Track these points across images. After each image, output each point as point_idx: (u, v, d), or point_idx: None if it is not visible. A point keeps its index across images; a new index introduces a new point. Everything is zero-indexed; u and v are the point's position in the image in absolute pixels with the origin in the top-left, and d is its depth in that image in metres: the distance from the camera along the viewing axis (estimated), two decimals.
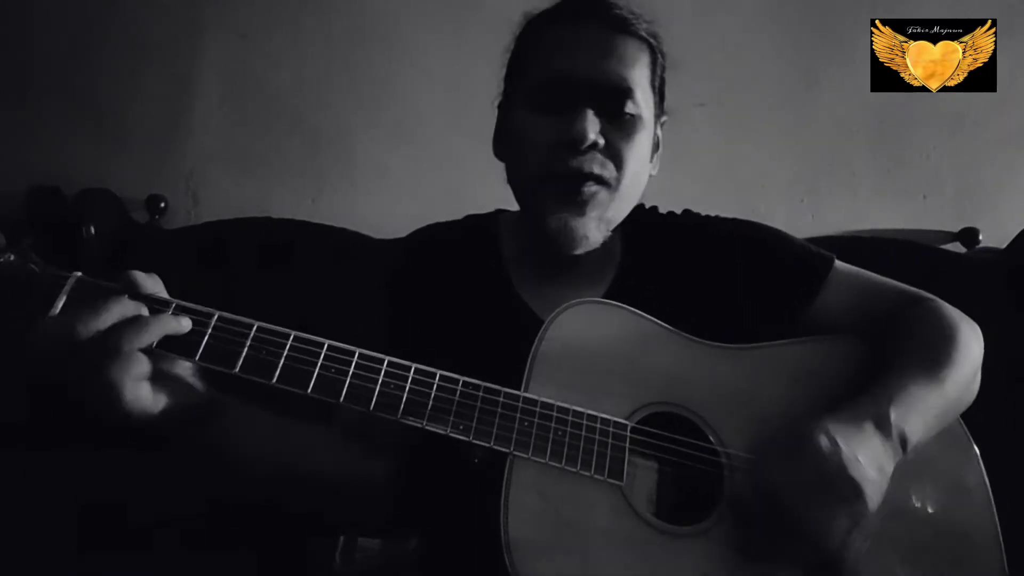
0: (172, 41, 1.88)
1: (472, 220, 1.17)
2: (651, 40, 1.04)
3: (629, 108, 1.00)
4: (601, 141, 0.98)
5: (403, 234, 1.18)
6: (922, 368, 0.94)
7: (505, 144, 1.08)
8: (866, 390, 0.92)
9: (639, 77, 1.01)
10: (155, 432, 0.80)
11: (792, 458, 0.84)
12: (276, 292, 1.56)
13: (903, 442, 0.88)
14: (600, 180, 0.99)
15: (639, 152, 1.02)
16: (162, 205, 1.83)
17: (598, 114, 0.98)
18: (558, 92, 0.98)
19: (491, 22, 1.87)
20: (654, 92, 1.05)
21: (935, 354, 0.97)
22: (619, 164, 1.00)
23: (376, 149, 1.90)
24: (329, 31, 1.90)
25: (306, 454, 0.94)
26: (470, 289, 1.06)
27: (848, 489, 0.82)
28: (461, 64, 1.89)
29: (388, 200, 1.87)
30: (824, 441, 0.83)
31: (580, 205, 0.99)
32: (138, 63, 1.88)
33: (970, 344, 1.01)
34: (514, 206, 1.15)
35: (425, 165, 1.89)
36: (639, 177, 1.04)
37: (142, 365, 0.76)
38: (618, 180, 1.00)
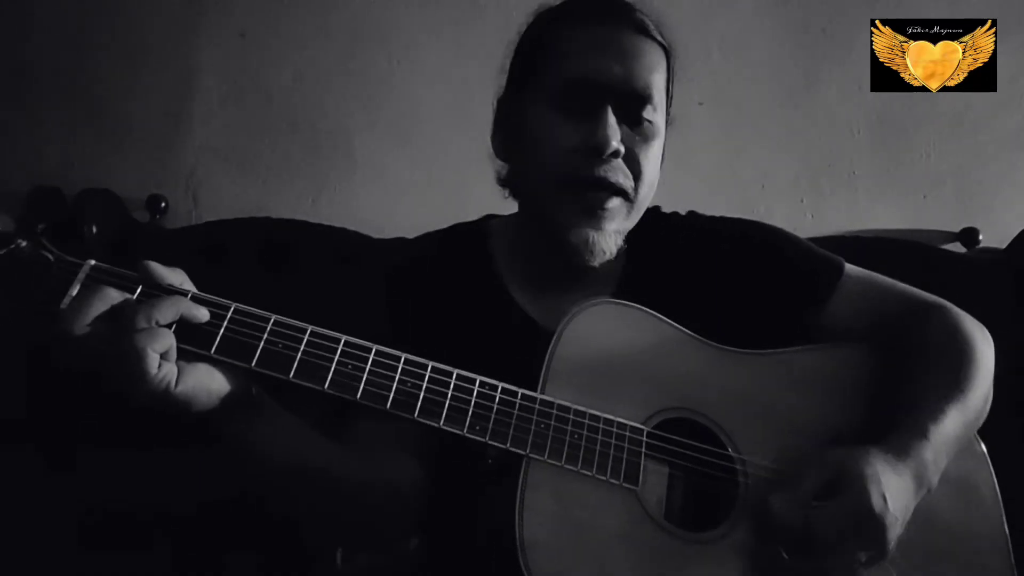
0: (172, 41, 1.88)
1: (460, 228, 1.15)
2: (667, 46, 1.03)
3: (647, 114, 0.99)
4: (622, 149, 0.96)
5: (403, 234, 1.17)
6: (950, 398, 0.93)
7: (514, 143, 1.06)
8: (902, 424, 0.91)
9: (658, 83, 1.00)
10: (187, 414, 0.78)
11: (836, 490, 0.83)
12: (276, 293, 1.56)
13: (929, 489, 0.89)
14: (621, 192, 0.98)
15: (655, 161, 1.02)
16: (163, 205, 1.83)
17: (619, 120, 0.97)
18: (583, 94, 0.96)
19: (491, 22, 1.89)
20: (668, 99, 1.04)
21: (958, 378, 0.96)
22: (637, 174, 0.99)
23: (376, 149, 1.89)
24: (329, 31, 1.90)
25: (332, 458, 0.92)
26: (464, 298, 1.05)
27: (879, 539, 0.82)
28: (461, 64, 1.89)
29: (388, 200, 1.87)
30: (874, 490, 0.81)
31: (600, 219, 0.98)
32: (138, 63, 1.88)
33: (986, 357, 1.00)
34: (504, 210, 1.14)
35: (425, 165, 1.89)
36: (653, 186, 1.03)
37: (166, 338, 0.74)
38: (635, 191, 0.99)
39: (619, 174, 0.97)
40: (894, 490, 0.83)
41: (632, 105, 0.98)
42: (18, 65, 1.86)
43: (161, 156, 1.87)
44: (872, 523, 0.81)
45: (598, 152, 0.95)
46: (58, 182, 1.73)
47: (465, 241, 1.12)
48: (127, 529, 1.53)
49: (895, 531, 0.83)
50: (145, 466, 1.51)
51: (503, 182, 1.11)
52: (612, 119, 0.96)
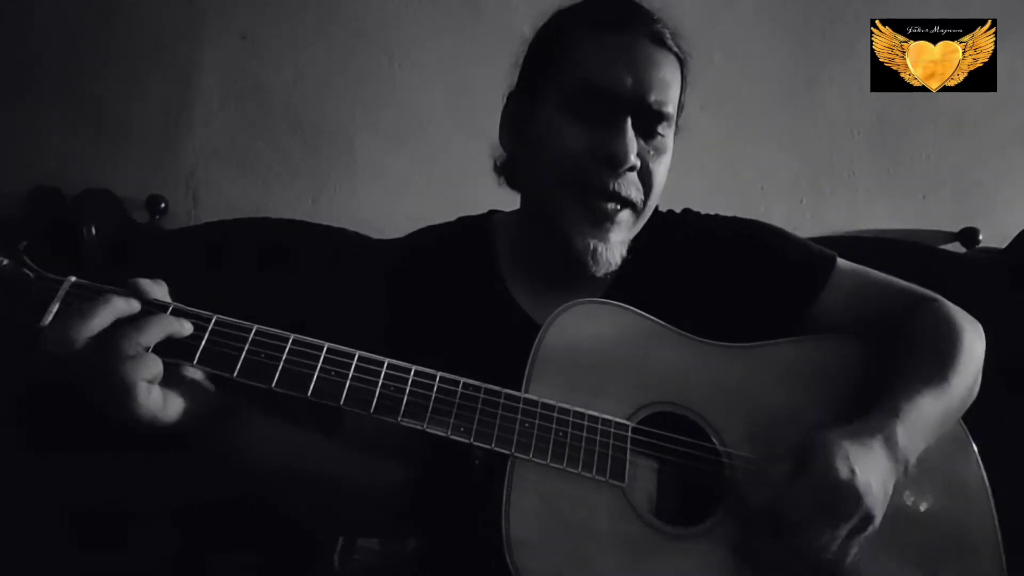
0: (172, 41, 1.88)
1: (465, 222, 1.16)
2: (682, 57, 1.02)
3: (661, 129, 0.99)
4: (639, 164, 0.97)
5: (403, 234, 1.17)
6: (929, 382, 0.94)
7: (522, 139, 1.05)
8: (875, 405, 0.91)
9: (674, 97, 1.00)
10: (169, 433, 0.79)
11: (802, 471, 0.83)
12: (276, 293, 1.56)
13: (906, 465, 0.88)
14: (631, 204, 0.98)
15: (664, 173, 1.02)
16: (162, 206, 1.83)
17: (636, 133, 0.96)
18: (600, 102, 0.95)
19: (491, 22, 1.89)
20: (679, 110, 1.04)
21: (941, 364, 0.97)
22: (648, 187, 0.99)
23: (376, 149, 1.90)
24: (329, 31, 1.90)
25: (322, 459, 0.93)
26: (464, 292, 1.05)
27: (855, 508, 0.82)
28: (461, 65, 1.88)
29: (388, 200, 1.87)
30: (838, 462, 0.82)
31: (607, 231, 0.98)
32: (138, 63, 1.88)
33: (974, 347, 1.01)
34: (506, 206, 1.14)
35: (425, 165, 1.89)
36: (659, 196, 1.04)
37: (155, 366, 0.74)
38: (644, 203, 1.00)
39: (632, 188, 0.98)
40: (863, 461, 0.83)
41: (650, 120, 0.98)
42: (18, 65, 1.86)
43: (161, 156, 1.87)
44: (843, 493, 0.81)
45: (616, 164, 0.95)
46: (58, 182, 1.73)
47: (469, 237, 1.12)
48: (125, 529, 1.53)
49: (875, 500, 0.82)
50: (144, 466, 1.51)
51: (500, 170, 1.11)
52: (631, 132, 0.95)
